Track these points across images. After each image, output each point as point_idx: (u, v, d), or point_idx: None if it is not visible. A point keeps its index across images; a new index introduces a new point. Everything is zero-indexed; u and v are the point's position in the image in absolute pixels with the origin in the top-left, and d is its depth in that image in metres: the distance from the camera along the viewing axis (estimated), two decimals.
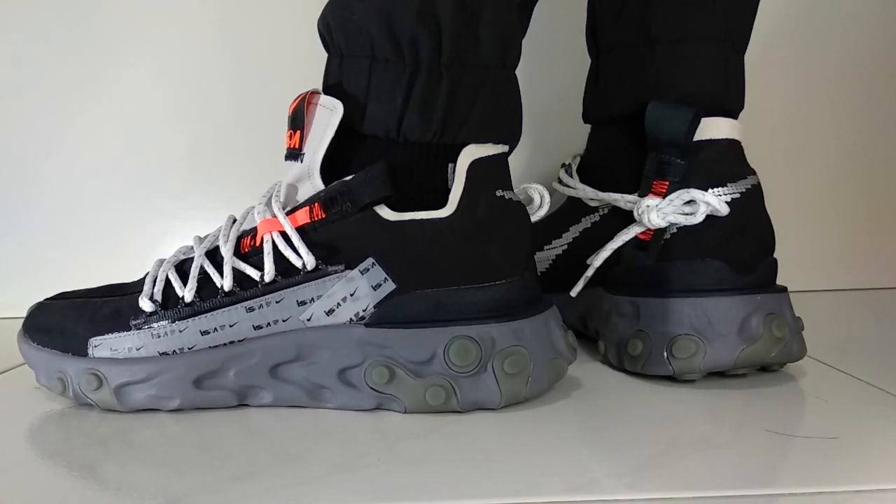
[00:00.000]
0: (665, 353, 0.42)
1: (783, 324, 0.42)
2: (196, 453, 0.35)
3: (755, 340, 0.42)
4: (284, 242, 0.39)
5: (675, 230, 0.45)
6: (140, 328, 0.40)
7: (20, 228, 0.71)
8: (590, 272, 0.49)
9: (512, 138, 0.43)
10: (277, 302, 0.39)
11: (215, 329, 0.40)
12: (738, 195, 0.44)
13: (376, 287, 0.39)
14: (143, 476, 0.32)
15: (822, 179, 0.75)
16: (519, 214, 0.41)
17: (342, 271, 0.39)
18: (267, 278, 0.39)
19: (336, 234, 0.39)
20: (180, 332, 0.40)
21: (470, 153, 0.40)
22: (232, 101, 0.71)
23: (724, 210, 0.43)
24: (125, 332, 0.40)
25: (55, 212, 0.71)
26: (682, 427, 0.36)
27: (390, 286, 0.39)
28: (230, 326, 0.40)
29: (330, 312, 0.39)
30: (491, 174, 0.41)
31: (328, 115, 0.40)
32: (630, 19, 0.47)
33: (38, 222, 0.71)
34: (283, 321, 0.40)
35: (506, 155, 0.42)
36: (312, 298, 0.39)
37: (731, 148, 0.46)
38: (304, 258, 0.39)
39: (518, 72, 0.43)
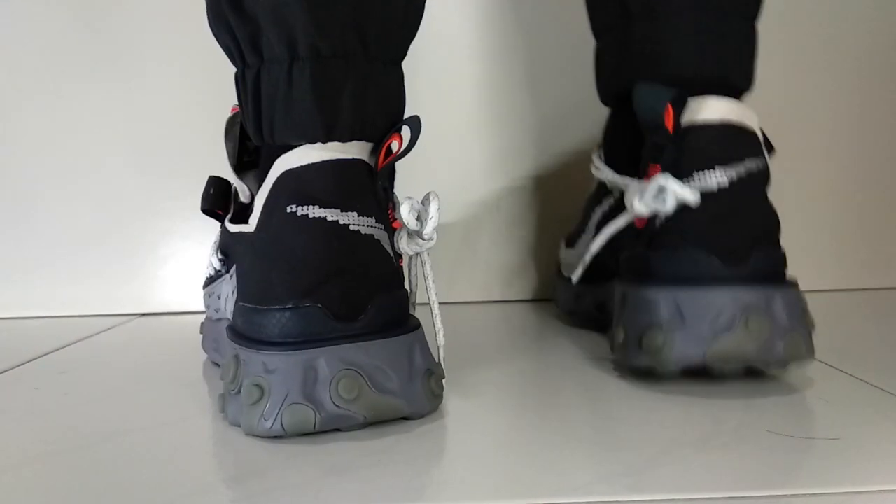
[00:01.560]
0: (638, 344, 0.41)
1: (762, 320, 0.40)
2: (196, 454, 0.35)
3: (724, 334, 0.39)
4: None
5: (663, 219, 0.43)
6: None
7: (20, 228, 0.71)
8: (588, 258, 0.48)
9: (336, 133, 0.38)
10: (218, 295, 0.47)
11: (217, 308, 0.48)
12: (725, 180, 0.42)
13: (233, 292, 0.42)
14: (143, 476, 0.32)
15: (823, 179, 0.75)
16: (310, 235, 0.36)
17: (226, 273, 0.45)
18: (211, 272, 0.48)
19: (223, 241, 0.46)
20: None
21: (283, 164, 0.37)
22: (233, 102, 0.71)
23: (691, 198, 0.41)
24: None
25: (55, 212, 0.71)
26: (682, 427, 0.36)
27: (235, 293, 0.41)
28: (215, 310, 0.48)
29: (224, 308, 0.45)
30: (294, 186, 0.37)
31: (229, 125, 0.45)
32: (611, 1, 0.47)
33: (38, 222, 0.71)
34: (216, 311, 0.48)
35: (337, 162, 0.37)
36: (219, 295, 0.46)
37: (727, 129, 0.43)
38: (213, 262, 0.47)
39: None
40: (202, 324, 0.53)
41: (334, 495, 0.29)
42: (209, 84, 0.70)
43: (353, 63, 0.38)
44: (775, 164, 0.72)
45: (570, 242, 0.60)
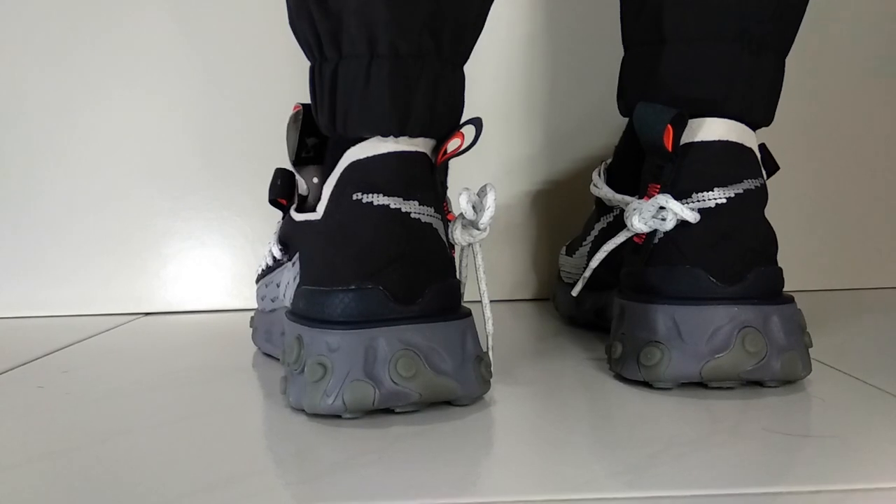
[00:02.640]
0: (636, 359, 0.42)
1: (758, 339, 0.40)
2: (196, 453, 0.35)
3: (722, 353, 0.40)
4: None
5: (661, 235, 0.44)
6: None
7: (20, 228, 0.71)
8: (587, 273, 0.48)
9: (408, 129, 0.39)
10: (277, 283, 0.47)
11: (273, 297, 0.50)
12: (723, 200, 0.43)
13: (295, 278, 0.43)
14: (144, 475, 0.32)
15: (823, 179, 0.75)
16: (374, 221, 0.38)
17: (288, 261, 0.46)
18: (269, 262, 0.49)
19: (285, 231, 0.47)
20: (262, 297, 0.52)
21: (351, 155, 0.39)
22: (232, 102, 0.71)
23: (690, 217, 0.42)
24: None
25: (55, 212, 0.71)
26: (681, 426, 0.36)
27: (297, 279, 0.42)
28: (272, 299, 0.49)
29: (284, 296, 0.45)
30: (360, 176, 0.39)
31: (291, 121, 0.46)
32: (649, 17, 0.47)
33: (38, 222, 0.71)
34: (272, 300, 0.49)
35: (401, 154, 0.39)
36: (278, 284, 0.47)
37: (725, 150, 0.44)
38: (274, 252, 0.48)
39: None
40: (252, 317, 0.54)
41: (334, 495, 0.30)
42: (211, 85, 0.71)
43: (427, 63, 0.39)
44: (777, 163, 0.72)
45: (571, 251, 0.60)
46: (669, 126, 0.42)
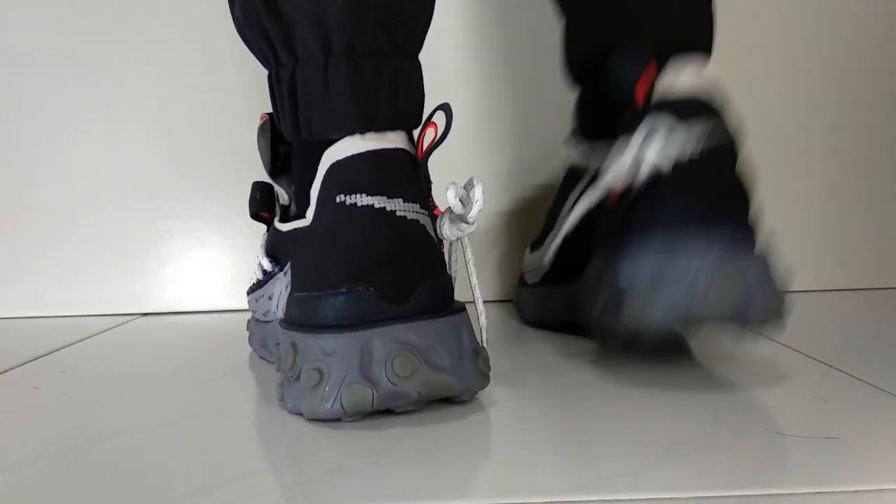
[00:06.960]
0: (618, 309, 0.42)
1: (738, 282, 0.39)
2: (194, 454, 0.35)
3: (702, 296, 0.39)
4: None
5: (636, 193, 0.43)
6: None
7: (20, 228, 0.71)
8: (559, 238, 0.50)
9: (375, 125, 0.39)
10: (269, 296, 0.47)
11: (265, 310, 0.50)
12: (696, 154, 0.42)
13: (287, 287, 0.43)
14: (141, 476, 0.32)
15: (822, 179, 0.75)
16: (359, 222, 0.38)
17: (279, 272, 0.46)
18: (259, 276, 0.49)
19: (272, 243, 0.47)
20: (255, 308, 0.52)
21: (330, 156, 0.39)
22: (233, 102, 0.71)
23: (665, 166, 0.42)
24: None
25: (55, 212, 0.71)
26: (682, 427, 0.36)
27: (289, 288, 0.42)
28: (264, 313, 0.49)
29: (277, 307, 0.46)
30: (342, 177, 0.38)
31: (260, 133, 0.47)
32: None
33: (38, 222, 0.71)
34: (264, 314, 0.49)
35: (381, 152, 0.39)
36: (270, 296, 0.47)
37: (694, 104, 0.42)
38: (263, 265, 0.48)
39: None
40: (248, 321, 0.54)
41: (334, 495, 0.30)
42: (210, 84, 0.71)
43: (384, 58, 0.39)
44: (774, 164, 0.72)
45: (535, 246, 0.59)
46: (640, 80, 0.43)
